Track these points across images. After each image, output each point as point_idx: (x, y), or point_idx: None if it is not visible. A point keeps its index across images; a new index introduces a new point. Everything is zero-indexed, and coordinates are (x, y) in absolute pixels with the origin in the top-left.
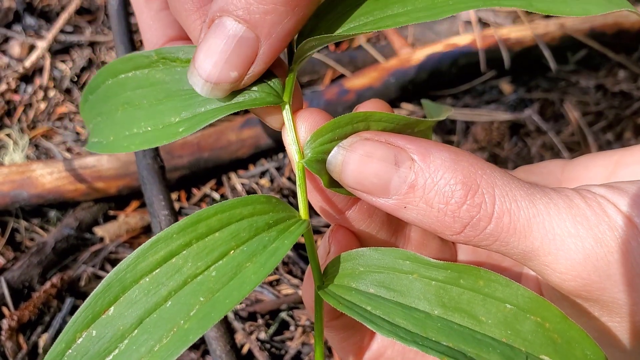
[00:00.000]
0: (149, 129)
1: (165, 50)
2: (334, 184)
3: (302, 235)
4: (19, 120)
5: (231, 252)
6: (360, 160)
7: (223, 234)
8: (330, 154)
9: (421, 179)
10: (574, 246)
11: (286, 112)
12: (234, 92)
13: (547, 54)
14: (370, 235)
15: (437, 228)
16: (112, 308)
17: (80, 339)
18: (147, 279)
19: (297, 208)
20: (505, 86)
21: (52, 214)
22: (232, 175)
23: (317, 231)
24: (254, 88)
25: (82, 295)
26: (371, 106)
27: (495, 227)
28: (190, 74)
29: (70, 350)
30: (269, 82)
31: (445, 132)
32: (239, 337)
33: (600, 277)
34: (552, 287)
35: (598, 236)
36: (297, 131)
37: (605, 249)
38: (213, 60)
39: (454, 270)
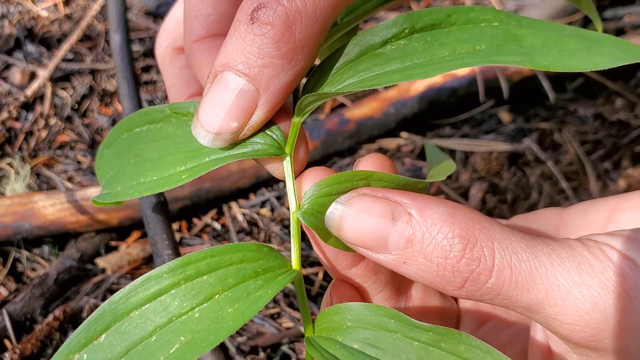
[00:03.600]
0: (155, 178)
1: (178, 105)
2: (333, 240)
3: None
4: (20, 148)
5: (216, 296)
6: (357, 216)
7: (211, 278)
8: (328, 210)
9: (419, 233)
10: (580, 295)
11: (287, 164)
12: (238, 142)
13: (545, 84)
14: (374, 293)
15: (437, 283)
16: (103, 335)
17: None
18: (137, 313)
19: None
20: (504, 115)
21: (48, 249)
22: (233, 205)
23: (318, 263)
24: (257, 139)
25: None
26: (372, 160)
27: (497, 281)
28: (193, 125)
29: None
30: (272, 133)
31: None
32: None
33: (610, 324)
34: (560, 342)
35: (604, 283)
36: (299, 183)
37: (612, 296)
38: (215, 112)
39: (435, 333)
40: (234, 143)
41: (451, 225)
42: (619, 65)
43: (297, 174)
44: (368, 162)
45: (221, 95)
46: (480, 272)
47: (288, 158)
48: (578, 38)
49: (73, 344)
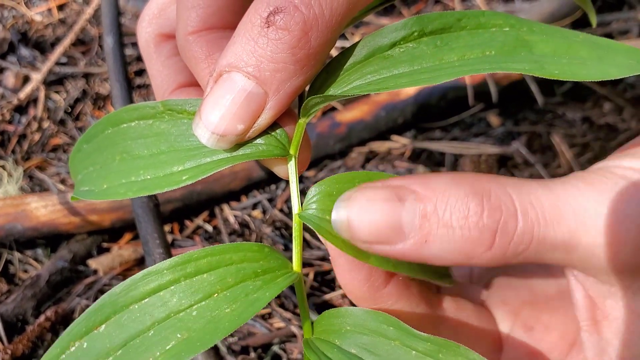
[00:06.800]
0: (148, 177)
1: (172, 102)
2: (341, 245)
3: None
4: (13, 151)
5: (215, 295)
6: (364, 208)
7: (210, 277)
8: (333, 215)
9: (430, 205)
10: (612, 215)
11: (291, 165)
12: (240, 144)
13: (533, 87)
14: (407, 313)
15: (467, 250)
16: (103, 326)
17: (73, 348)
18: (136, 306)
19: (289, 241)
20: (493, 118)
21: (40, 250)
22: (225, 207)
23: (309, 264)
24: (260, 140)
25: None
26: None
27: (525, 224)
28: (195, 125)
29: (63, 356)
30: (275, 134)
31: (435, 164)
32: None
33: None
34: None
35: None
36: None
37: None
38: (220, 113)
39: (433, 343)
40: (237, 144)
41: (459, 188)
42: (632, 75)
43: (299, 174)
44: None
45: (228, 96)
46: (505, 219)
47: (293, 159)
48: (590, 46)
49: (74, 331)
